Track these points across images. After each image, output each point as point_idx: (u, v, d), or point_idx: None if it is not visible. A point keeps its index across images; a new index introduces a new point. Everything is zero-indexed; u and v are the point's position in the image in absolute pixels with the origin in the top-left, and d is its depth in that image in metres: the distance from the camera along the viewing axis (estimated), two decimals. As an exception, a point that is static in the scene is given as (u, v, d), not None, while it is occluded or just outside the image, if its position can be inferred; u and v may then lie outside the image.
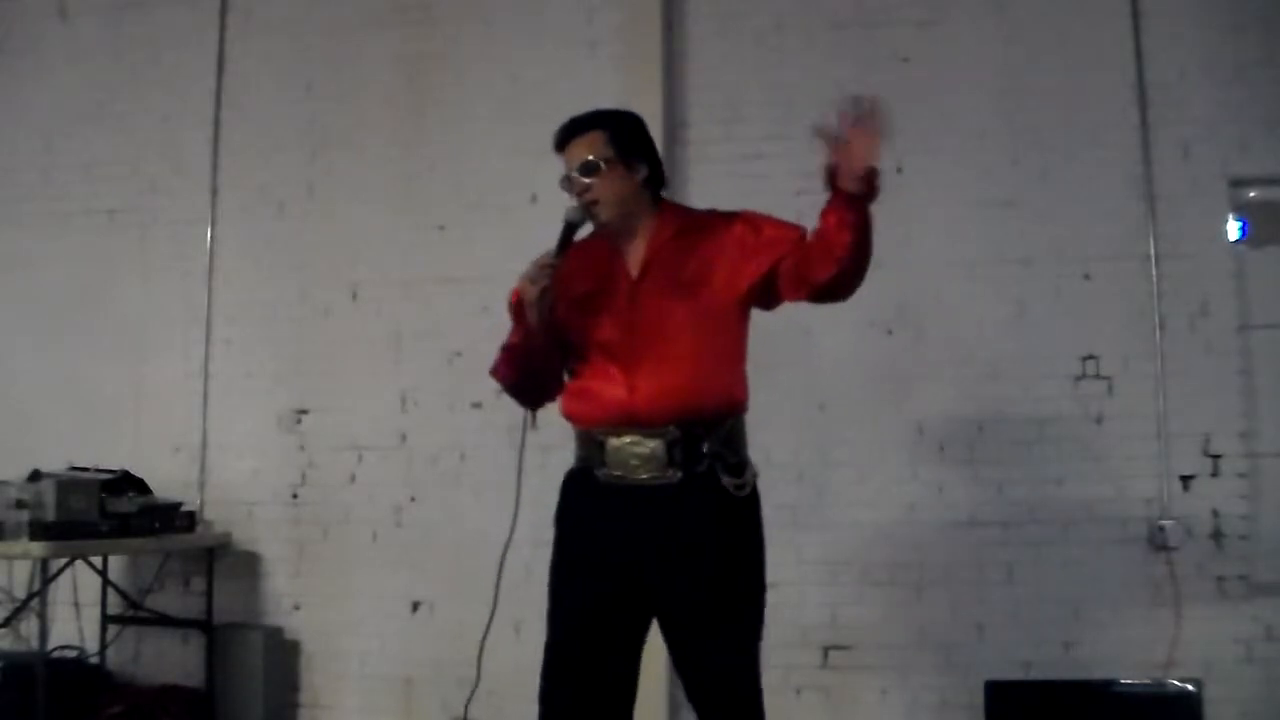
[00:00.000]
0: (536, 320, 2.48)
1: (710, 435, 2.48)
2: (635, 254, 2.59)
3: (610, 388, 2.50)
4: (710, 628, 2.44)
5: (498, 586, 2.79)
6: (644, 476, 2.46)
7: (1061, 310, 4.34)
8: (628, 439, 2.47)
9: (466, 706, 3.17)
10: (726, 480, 2.48)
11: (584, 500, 2.56)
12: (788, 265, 2.51)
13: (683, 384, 2.47)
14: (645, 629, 2.54)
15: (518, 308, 2.54)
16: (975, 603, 4.25)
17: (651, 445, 2.46)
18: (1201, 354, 4.24)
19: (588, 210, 2.55)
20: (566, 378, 2.65)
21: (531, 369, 2.60)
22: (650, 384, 2.47)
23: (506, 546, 2.74)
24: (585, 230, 2.62)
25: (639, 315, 2.52)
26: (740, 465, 2.53)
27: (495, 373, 2.65)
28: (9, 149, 5.23)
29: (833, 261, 2.42)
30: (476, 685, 3.00)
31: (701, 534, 2.45)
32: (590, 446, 2.53)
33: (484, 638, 2.88)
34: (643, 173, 2.61)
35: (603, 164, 2.54)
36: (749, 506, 2.54)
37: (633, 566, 2.47)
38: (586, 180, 2.54)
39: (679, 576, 2.45)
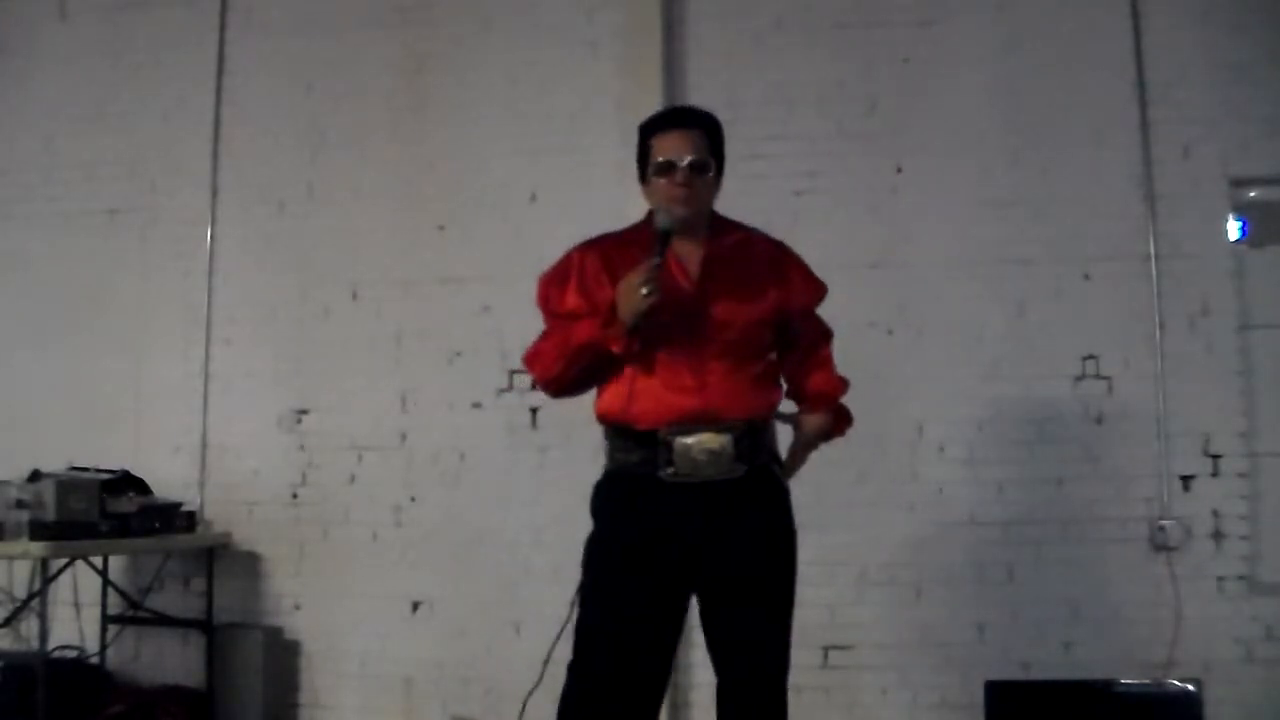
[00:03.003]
0: (636, 328, 2.46)
1: (765, 431, 2.62)
2: (690, 256, 2.61)
3: (678, 388, 2.52)
4: (767, 613, 2.58)
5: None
6: (710, 473, 2.51)
7: (1061, 310, 4.34)
8: (697, 437, 2.51)
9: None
10: (780, 472, 2.65)
11: (641, 499, 2.54)
12: (793, 359, 2.75)
13: (745, 386, 2.56)
14: (683, 622, 2.60)
15: (609, 309, 2.48)
16: (975, 603, 4.25)
17: (723, 440, 2.51)
18: (1201, 354, 4.25)
19: (676, 205, 2.55)
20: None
21: (590, 369, 2.59)
22: (719, 384, 2.53)
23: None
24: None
25: (704, 316, 2.55)
26: (779, 459, 2.69)
27: (541, 364, 2.62)
28: (9, 149, 5.22)
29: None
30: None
31: (768, 522, 2.60)
32: (652, 447, 2.52)
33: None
34: (720, 184, 2.70)
35: (713, 165, 2.62)
36: (789, 497, 2.69)
37: (691, 561, 2.52)
38: (691, 176, 2.57)
39: (744, 562, 2.54)
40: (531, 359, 2.65)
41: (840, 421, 2.82)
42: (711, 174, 2.62)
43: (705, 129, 2.65)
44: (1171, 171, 4.32)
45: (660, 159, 2.58)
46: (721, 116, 4.53)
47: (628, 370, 2.56)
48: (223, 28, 5.06)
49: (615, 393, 2.59)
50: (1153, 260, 4.29)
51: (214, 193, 5.00)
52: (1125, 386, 4.27)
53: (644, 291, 2.41)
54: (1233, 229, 4.33)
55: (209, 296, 4.95)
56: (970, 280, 4.40)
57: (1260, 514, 4.18)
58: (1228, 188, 4.32)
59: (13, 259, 5.15)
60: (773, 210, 4.27)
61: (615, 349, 2.49)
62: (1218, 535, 4.17)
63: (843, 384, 2.81)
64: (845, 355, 4.33)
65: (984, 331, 4.37)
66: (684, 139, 2.59)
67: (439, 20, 4.90)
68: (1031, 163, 4.42)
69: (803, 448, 2.74)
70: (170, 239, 5.02)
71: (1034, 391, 4.32)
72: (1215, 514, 4.17)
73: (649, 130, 2.64)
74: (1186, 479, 4.20)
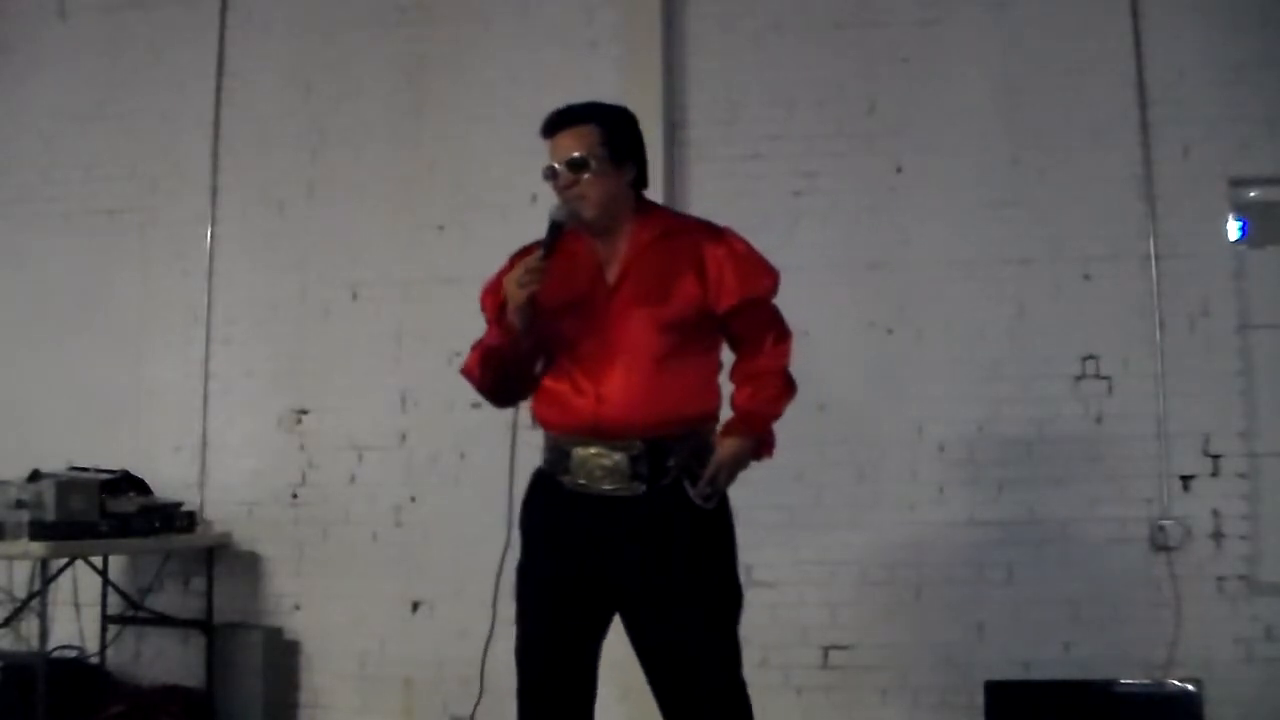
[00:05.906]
0: (522, 324, 2.40)
1: (677, 448, 2.43)
2: (613, 257, 2.51)
3: (578, 396, 2.44)
4: (679, 637, 2.40)
5: (496, 588, 2.73)
6: (608, 488, 2.42)
7: (1061, 310, 4.34)
8: (593, 450, 2.42)
9: (474, 710, 3.15)
10: (693, 492, 2.43)
11: (550, 505, 2.51)
12: (741, 356, 2.56)
13: (650, 396, 2.41)
14: (604, 632, 2.51)
15: (499, 309, 2.48)
16: (975, 603, 4.25)
17: (615, 458, 2.41)
18: (1201, 354, 4.24)
19: (571, 208, 2.48)
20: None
21: (507, 372, 2.52)
22: (617, 395, 2.40)
23: (505, 548, 2.69)
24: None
25: (612, 323, 2.44)
26: (696, 475, 2.46)
27: (469, 373, 2.57)
28: (9, 149, 5.22)
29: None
30: (481, 693, 2.97)
31: (666, 545, 2.41)
32: (557, 454, 2.48)
33: (487, 642, 2.84)
34: (630, 174, 2.54)
35: (593, 162, 2.45)
36: (717, 515, 2.49)
37: (596, 573, 2.43)
38: (573, 176, 2.47)
39: (643, 585, 2.42)
40: (464, 368, 2.58)
41: (760, 448, 2.54)
42: (596, 169, 2.44)
43: (594, 122, 2.50)
44: (1171, 171, 4.32)
45: (544, 167, 2.52)
46: (721, 116, 4.63)
47: (549, 371, 2.51)
48: (223, 28, 5.06)
49: (539, 392, 2.55)
50: (1153, 260, 4.29)
51: (214, 193, 5.00)
52: (1125, 386, 4.27)
53: (521, 283, 2.36)
54: (1233, 229, 4.33)
55: (209, 296, 4.95)
56: (970, 280, 4.40)
57: (1260, 514, 4.18)
58: (1228, 188, 4.32)
59: (13, 259, 5.15)
60: (773, 210, 4.29)
61: (505, 345, 2.44)
62: (1218, 535, 4.16)
63: (771, 401, 2.54)
64: (845, 355, 4.38)
65: (984, 331, 4.37)
66: (561, 141, 2.49)
67: (439, 20, 4.90)
68: (1031, 163, 4.42)
69: (717, 469, 2.44)
70: (170, 239, 5.02)
71: (1034, 391, 4.32)
72: (1215, 514, 4.17)
73: (543, 138, 2.54)
74: (1186, 479, 4.20)
